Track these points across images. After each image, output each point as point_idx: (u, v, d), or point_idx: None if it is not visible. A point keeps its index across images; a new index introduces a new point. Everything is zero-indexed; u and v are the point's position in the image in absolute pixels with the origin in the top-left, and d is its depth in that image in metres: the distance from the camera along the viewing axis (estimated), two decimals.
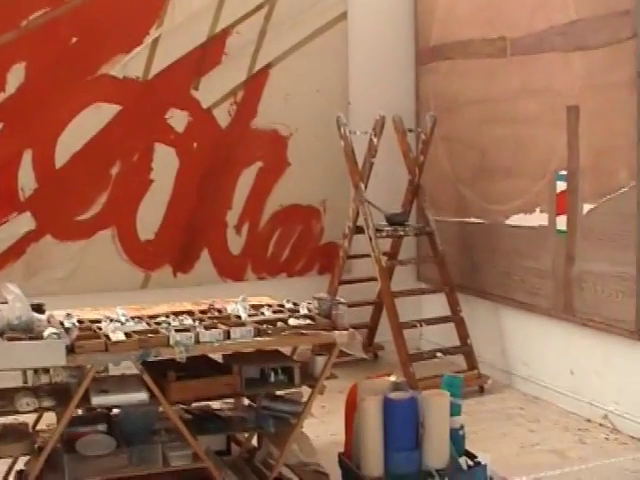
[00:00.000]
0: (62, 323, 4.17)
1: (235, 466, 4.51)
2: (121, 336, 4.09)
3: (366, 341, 7.00)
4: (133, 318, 4.37)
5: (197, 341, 4.12)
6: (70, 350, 3.91)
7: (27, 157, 6.22)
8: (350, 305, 6.70)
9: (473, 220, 6.60)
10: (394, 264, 6.72)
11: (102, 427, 4.27)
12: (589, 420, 5.67)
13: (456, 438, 4.65)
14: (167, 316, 4.43)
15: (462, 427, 4.69)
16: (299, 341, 4.31)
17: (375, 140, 6.41)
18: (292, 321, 4.39)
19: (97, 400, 4.09)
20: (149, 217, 6.54)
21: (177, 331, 4.15)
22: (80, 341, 3.97)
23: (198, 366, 4.30)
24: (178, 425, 4.16)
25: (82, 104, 6.31)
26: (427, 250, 6.75)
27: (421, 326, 6.32)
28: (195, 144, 6.62)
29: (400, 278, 6.89)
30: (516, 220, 6.17)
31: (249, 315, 4.48)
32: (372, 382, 4.68)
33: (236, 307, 4.58)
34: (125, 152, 6.46)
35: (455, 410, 4.71)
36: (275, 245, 6.93)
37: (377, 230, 6.30)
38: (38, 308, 4.22)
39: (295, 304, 4.67)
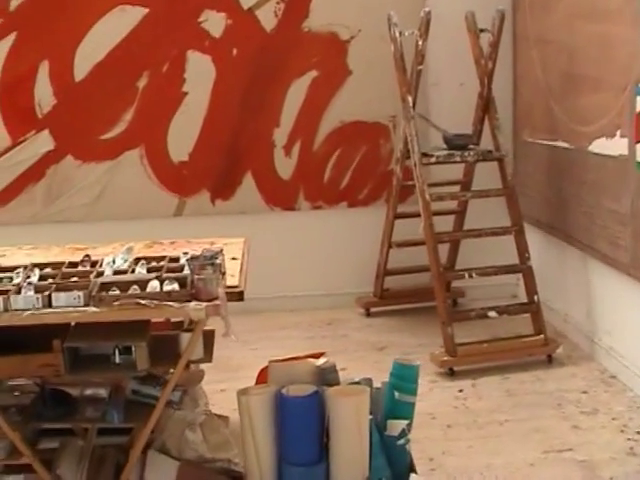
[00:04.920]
0: None
1: (102, 456, 3.34)
2: None
3: None
4: None
5: (6, 308, 2.98)
6: None
7: (43, 70, 5.31)
8: (416, 243, 5.32)
9: (561, 144, 4.84)
10: (463, 197, 5.10)
11: None
12: None
13: (392, 450, 3.21)
14: (26, 268, 3.31)
15: (404, 434, 3.23)
16: (135, 314, 3.02)
17: (421, 43, 4.78)
18: (152, 285, 3.11)
19: None
20: (182, 136, 5.40)
21: None
22: None
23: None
24: None
25: (103, 7, 5.27)
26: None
27: (471, 277, 4.68)
28: (235, 51, 5.36)
29: (489, 213, 5.29)
30: (599, 146, 4.40)
31: (116, 272, 3.25)
32: (288, 365, 3.31)
33: (111, 260, 3.37)
34: (153, 62, 5.35)
35: (402, 410, 3.28)
36: (334, 169, 5.53)
37: (424, 155, 4.74)
38: None
39: (192, 258, 3.36)
